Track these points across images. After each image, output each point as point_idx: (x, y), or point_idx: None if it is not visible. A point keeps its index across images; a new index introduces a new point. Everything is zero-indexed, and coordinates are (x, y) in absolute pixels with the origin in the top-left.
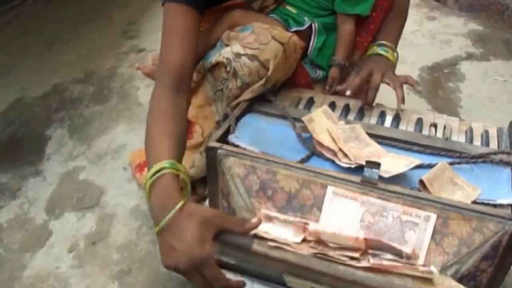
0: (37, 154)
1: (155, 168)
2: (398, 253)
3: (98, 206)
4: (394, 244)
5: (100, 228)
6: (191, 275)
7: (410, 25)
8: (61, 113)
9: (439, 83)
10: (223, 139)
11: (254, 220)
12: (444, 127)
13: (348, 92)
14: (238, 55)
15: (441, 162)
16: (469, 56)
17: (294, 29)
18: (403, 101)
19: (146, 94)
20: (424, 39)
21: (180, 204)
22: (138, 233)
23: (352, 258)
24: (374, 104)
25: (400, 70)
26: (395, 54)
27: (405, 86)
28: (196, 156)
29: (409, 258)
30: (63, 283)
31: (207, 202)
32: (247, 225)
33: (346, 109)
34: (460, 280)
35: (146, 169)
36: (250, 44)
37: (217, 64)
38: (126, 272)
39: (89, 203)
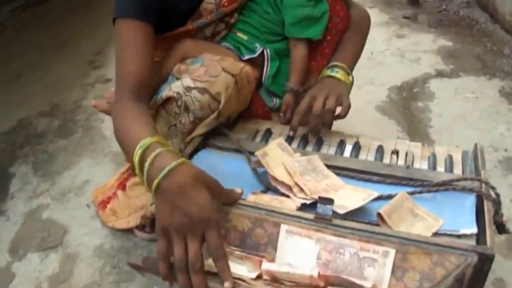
0: (1, 193)
1: (141, 144)
2: None
3: (62, 246)
4: (353, 279)
5: (63, 269)
6: (192, 238)
7: (378, 44)
8: (25, 149)
9: (408, 104)
10: None
11: (238, 190)
12: (406, 154)
13: (291, 133)
14: (188, 88)
15: (401, 193)
16: (439, 74)
17: (246, 57)
18: (342, 117)
19: (110, 126)
20: (393, 58)
21: (180, 160)
22: (101, 273)
23: None
24: (333, 130)
25: (368, 91)
26: (350, 77)
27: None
28: None
29: None
30: None
31: None
32: (234, 195)
33: (304, 139)
34: None
35: (111, 203)
36: (200, 77)
37: (169, 99)
38: None
39: (53, 243)
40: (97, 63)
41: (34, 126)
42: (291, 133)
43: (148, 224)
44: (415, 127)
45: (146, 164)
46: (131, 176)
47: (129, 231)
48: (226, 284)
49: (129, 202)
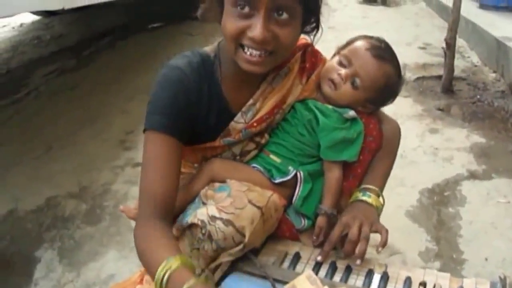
0: (25, 277)
1: (162, 269)
2: None
3: None
4: None
5: None
6: None
7: (411, 140)
8: (52, 232)
9: (439, 209)
10: None
11: None
12: (434, 286)
13: (319, 258)
14: (213, 218)
15: None
16: (471, 175)
17: (278, 180)
18: (383, 246)
19: None
20: (426, 156)
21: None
22: None
23: None
24: (361, 257)
25: (399, 194)
26: (381, 199)
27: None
28: None
29: None
30: None
31: None
32: None
33: (333, 267)
34: None
35: None
36: (226, 208)
37: (194, 224)
38: None
39: None
40: (128, 144)
41: (62, 208)
42: (319, 258)
43: None
44: (445, 237)
45: None
46: None
47: None
48: None
49: None
